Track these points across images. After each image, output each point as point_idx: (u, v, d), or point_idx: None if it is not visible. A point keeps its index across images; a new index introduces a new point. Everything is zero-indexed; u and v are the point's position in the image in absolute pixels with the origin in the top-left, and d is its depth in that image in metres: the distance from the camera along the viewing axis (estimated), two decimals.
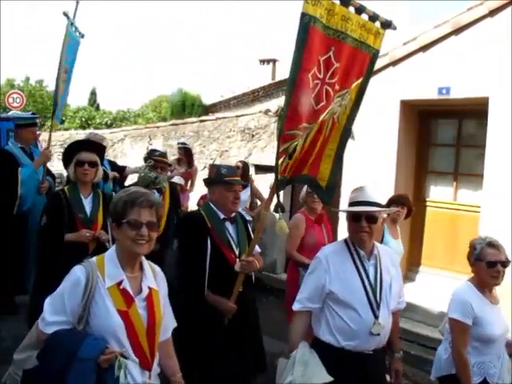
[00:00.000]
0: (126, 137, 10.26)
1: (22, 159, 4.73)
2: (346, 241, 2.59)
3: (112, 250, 2.01)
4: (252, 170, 7.20)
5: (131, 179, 5.94)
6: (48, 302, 1.92)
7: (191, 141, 8.44)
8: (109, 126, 19.10)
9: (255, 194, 6.42)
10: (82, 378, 1.71)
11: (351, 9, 2.70)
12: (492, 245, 2.80)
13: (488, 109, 5.12)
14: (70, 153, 3.63)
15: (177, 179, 6.05)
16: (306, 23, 2.50)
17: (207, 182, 3.26)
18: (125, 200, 1.93)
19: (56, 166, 8.13)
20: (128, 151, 9.95)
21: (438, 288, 5.19)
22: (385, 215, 2.59)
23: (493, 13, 5.09)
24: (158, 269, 2.14)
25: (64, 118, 19.59)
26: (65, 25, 4.73)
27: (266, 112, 7.39)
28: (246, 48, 52.73)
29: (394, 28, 2.93)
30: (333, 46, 2.66)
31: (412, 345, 5.02)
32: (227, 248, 3.00)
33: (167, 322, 2.12)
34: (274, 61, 16.25)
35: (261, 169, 7.32)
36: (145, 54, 68.39)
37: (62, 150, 4.97)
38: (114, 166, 5.86)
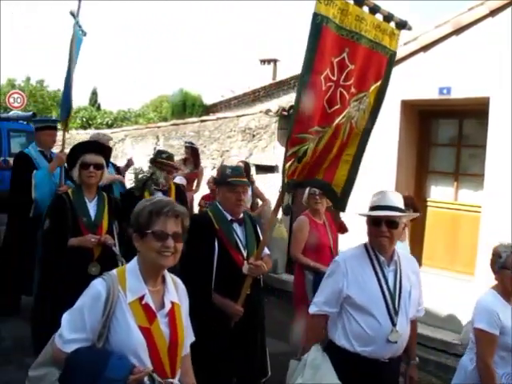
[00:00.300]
0: (127, 137, 10.28)
1: (40, 163, 4.72)
2: (365, 245, 2.52)
3: (134, 263, 1.89)
4: (253, 170, 7.19)
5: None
6: (66, 318, 1.80)
7: (192, 141, 8.44)
8: (110, 126, 19.12)
9: (256, 194, 6.41)
10: None
11: (365, 9, 2.62)
12: None
13: (489, 109, 5.12)
14: (75, 155, 3.51)
15: (178, 179, 5.99)
16: (319, 23, 2.42)
17: (214, 182, 3.25)
18: (150, 209, 1.82)
19: None
20: (129, 151, 9.96)
21: (439, 288, 5.18)
22: (405, 220, 2.55)
23: (494, 13, 5.08)
24: (179, 281, 2.03)
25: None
26: (71, 24, 4.68)
27: (267, 112, 7.38)
28: (246, 48, 52.75)
29: (409, 28, 2.83)
30: (347, 48, 2.59)
31: None
32: (235, 250, 2.96)
33: (187, 337, 2.02)
34: (275, 61, 16.26)
35: (261, 169, 7.32)
36: (145, 54, 68.47)
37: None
38: (117, 169, 5.83)
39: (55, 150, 5.17)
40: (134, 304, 1.79)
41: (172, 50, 73.27)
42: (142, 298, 1.81)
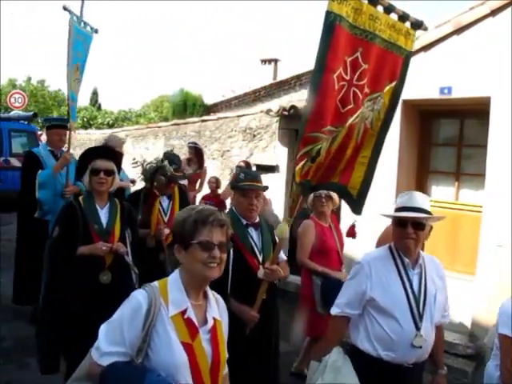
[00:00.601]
0: (128, 137, 10.28)
1: (47, 162, 4.68)
2: (390, 247, 2.48)
3: (176, 275, 1.79)
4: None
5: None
6: (104, 330, 1.70)
7: (193, 141, 8.44)
8: (110, 126, 19.14)
9: None
10: None
11: (379, 8, 2.58)
12: None
13: (490, 108, 5.11)
14: (85, 160, 3.37)
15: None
16: (332, 22, 2.37)
17: (231, 186, 3.21)
18: (195, 218, 1.73)
19: None
20: (130, 151, 9.96)
21: None
22: (432, 223, 2.52)
23: (494, 12, 5.07)
24: (219, 297, 1.95)
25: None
26: (67, 20, 4.49)
27: (268, 112, 7.38)
28: (246, 48, 52.81)
29: (425, 29, 2.79)
30: (360, 47, 2.54)
31: None
32: (250, 254, 2.92)
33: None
34: (276, 61, 16.23)
35: (262, 169, 7.32)
36: (145, 54, 68.55)
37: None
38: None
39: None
40: (177, 318, 1.69)
41: (172, 49, 73.32)
42: (184, 312, 1.71)
